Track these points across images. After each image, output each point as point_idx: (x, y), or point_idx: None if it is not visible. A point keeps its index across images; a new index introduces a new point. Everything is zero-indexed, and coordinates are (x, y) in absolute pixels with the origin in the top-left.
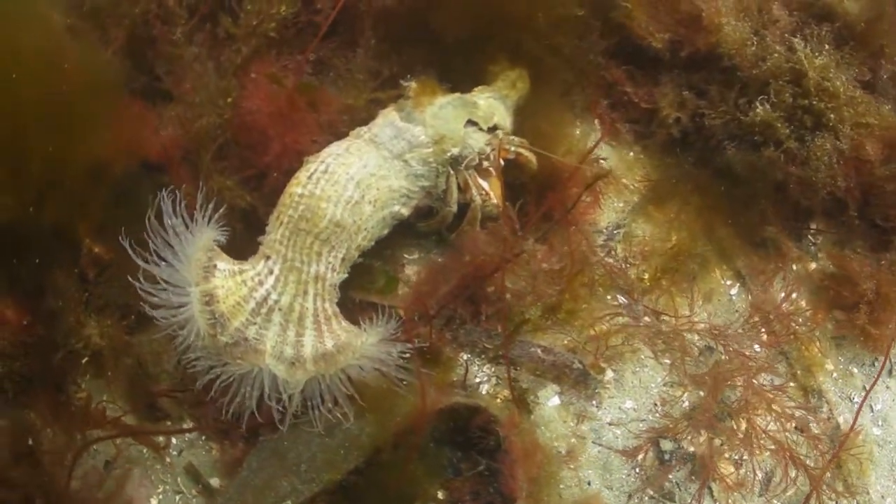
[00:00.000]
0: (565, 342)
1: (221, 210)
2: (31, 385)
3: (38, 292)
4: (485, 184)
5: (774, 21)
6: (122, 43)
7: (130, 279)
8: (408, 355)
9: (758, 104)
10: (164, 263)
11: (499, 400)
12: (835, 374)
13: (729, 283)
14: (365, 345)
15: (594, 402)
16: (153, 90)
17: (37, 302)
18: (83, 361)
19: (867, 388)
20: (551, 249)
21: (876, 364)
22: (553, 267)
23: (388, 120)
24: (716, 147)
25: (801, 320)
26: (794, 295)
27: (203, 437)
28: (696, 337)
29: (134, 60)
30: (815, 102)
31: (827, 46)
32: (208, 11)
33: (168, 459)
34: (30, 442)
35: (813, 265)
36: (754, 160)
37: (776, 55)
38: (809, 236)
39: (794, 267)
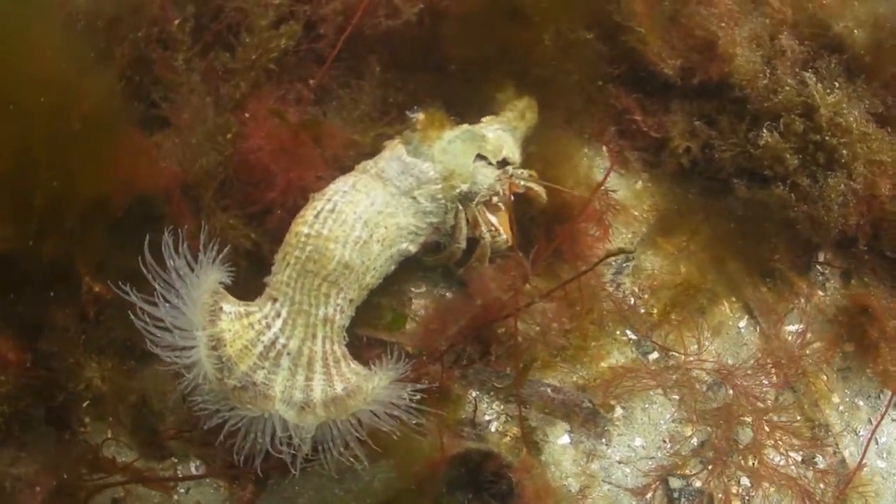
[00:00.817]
0: (574, 379)
1: (225, 250)
2: (37, 425)
3: (36, 331)
4: (494, 219)
5: (783, 51)
6: (120, 67)
7: (134, 320)
8: (419, 397)
9: (765, 131)
10: (168, 306)
11: (508, 438)
12: (841, 408)
13: (737, 315)
14: (376, 389)
15: (604, 440)
16: (150, 116)
17: (36, 341)
18: (84, 405)
19: (873, 420)
20: (563, 307)
21: (882, 396)
22: (564, 327)
23: (395, 154)
24: (725, 180)
25: (811, 357)
26: (803, 329)
27: None
28: (705, 373)
29: (130, 85)
30: (827, 138)
31: (839, 80)
32: (213, 40)
33: (176, 497)
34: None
35: (823, 297)
36: (764, 197)
37: (788, 88)
38: (818, 266)
39: (803, 301)
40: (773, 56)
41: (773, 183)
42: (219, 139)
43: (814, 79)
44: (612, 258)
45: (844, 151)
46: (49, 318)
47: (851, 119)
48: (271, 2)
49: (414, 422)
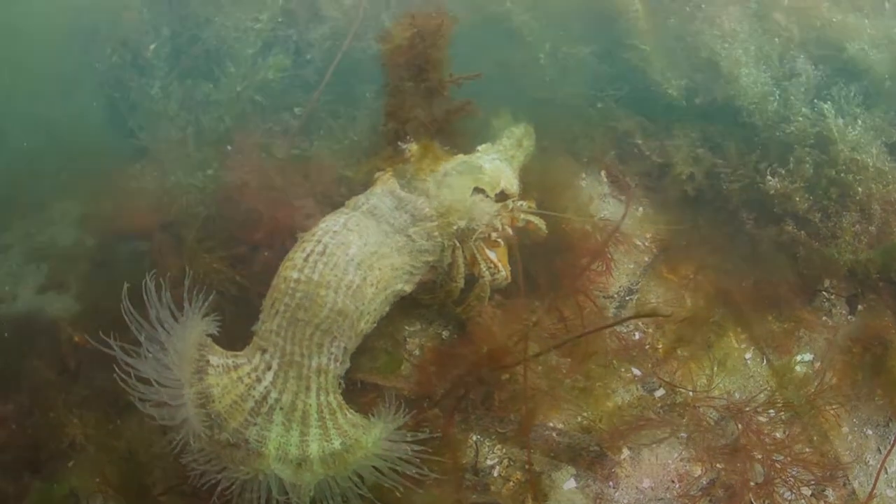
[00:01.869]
0: (579, 420)
1: (210, 297)
2: (25, 481)
3: (16, 384)
4: (493, 255)
5: (796, 75)
6: (98, 85)
7: (117, 377)
8: (419, 448)
9: (769, 176)
10: (152, 360)
11: (512, 483)
12: (849, 437)
13: (743, 346)
14: (376, 442)
15: (611, 483)
16: (128, 146)
17: (16, 396)
18: (70, 464)
19: (882, 449)
20: (577, 364)
21: (890, 425)
22: (577, 385)
23: (387, 189)
24: (734, 211)
25: (825, 396)
26: (819, 366)
27: None
28: (713, 409)
29: (110, 106)
30: (842, 175)
31: (859, 111)
32: (191, 65)
33: None
34: None
35: (833, 327)
36: (773, 235)
37: (801, 119)
38: (823, 293)
39: (813, 332)
40: (782, 78)
41: (782, 219)
42: (198, 174)
43: (832, 111)
44: (616, 292)
45: (860, 189)
46: (28, 370)
47: (869, 159)
48: (251, 27)
49: (415, 471)
